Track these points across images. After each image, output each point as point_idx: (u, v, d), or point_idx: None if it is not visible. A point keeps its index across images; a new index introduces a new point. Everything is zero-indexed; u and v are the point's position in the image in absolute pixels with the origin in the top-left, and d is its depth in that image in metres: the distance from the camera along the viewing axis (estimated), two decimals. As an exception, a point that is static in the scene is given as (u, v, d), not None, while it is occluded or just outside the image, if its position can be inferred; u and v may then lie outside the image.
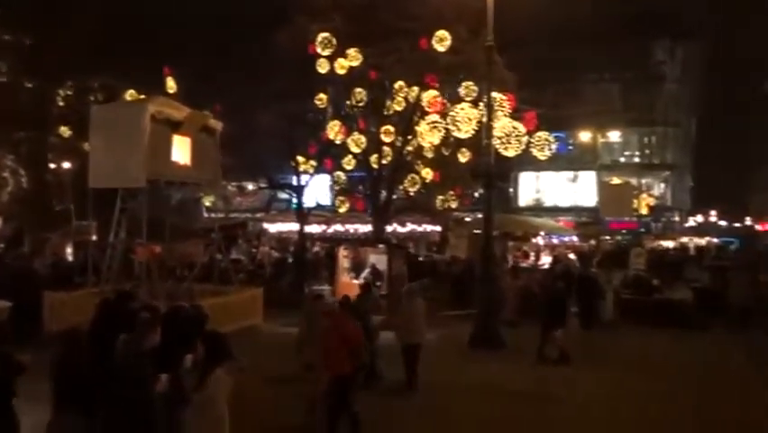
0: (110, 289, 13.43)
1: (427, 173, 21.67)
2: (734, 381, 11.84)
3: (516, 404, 10.12)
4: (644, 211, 41.44)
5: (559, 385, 11.08)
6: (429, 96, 19.99)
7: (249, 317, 16.15)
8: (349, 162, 22.42)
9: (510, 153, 16.77)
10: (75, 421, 6.11)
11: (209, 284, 16.58)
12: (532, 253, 27.49)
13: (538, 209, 50.95)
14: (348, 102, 22.31)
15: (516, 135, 16.44)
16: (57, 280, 17.02)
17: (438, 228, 28.50)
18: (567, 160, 50.59)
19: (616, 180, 32.73)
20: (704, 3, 49.81)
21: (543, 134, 17.64)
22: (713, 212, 69.34)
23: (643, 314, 17.05)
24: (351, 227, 27.96)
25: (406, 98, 21.20)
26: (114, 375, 6.38)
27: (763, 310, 16.67)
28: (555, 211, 49.77)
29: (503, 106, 17.85)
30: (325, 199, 27.98)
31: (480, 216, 18.48)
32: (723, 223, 67.94)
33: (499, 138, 16.25)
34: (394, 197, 23.13)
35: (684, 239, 42.57)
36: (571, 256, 25.67)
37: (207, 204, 27.55)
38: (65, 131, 26.19)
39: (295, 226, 25.29)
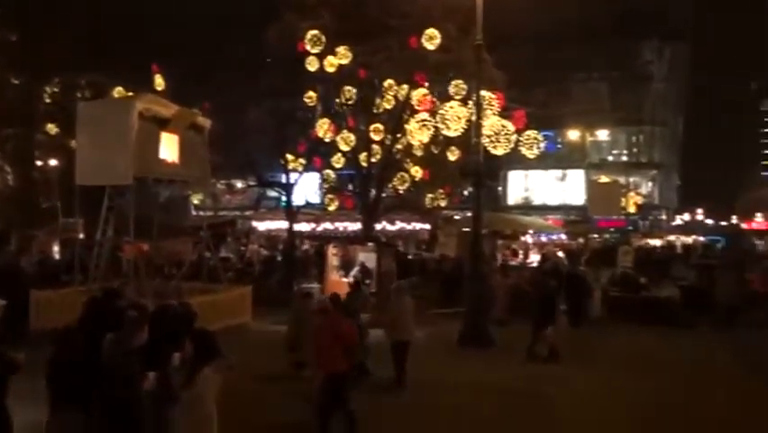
0: (97, 287, 13.26)
1: (416, 171, 21.66)
2: (720, 378, 11.92)
3: (505, 402, 10.12)
4: (631, 209, 41.71)
5: (548, 383, 11.11)
6: (418, 94, 19.97)
7: (238, 315, 16.05)
8: (338, 160, 22.37)
9: (499, 152, 16.87)
10: (74, 419, 6.09)
11: (198, 282, 16.50)
12: (521, 252, 27.55)
13: (527, 208, 51.24)
14: (337, 100, 22.24)
15: (505, 134, 16.51)
16: (43, 278, 16.78)
17: (427, 226, 28.54)
18: (555, 158, 50.91)
19: (604, 179, 33.00)
20: (690, 2, 50.20)
21: (531, 133, 17.67)
22: (700, 210, 70.02)
23: (630, 312, 17.14)
24: (340, 225, 27.93)
25: (395, 96, 21.17)
26: (101, 374, 6.34)
27: (748, 308, 16.86)
28: (544, 209, 50.06)
29: (492, 105, 17.86)
30: (315, 197, 27.94)
31: (469, 214, 18.54)
32: (709, 221, 68.57)
33: (488, 137, 16.33)
34: (383, 195, 23.10)
35: (671, 237, 42.89)
36: (560, 254, 25.77)
37: (196, 202, 27.47)
38: (52, 128, 26.04)
39: (284, 224, 25.27)
